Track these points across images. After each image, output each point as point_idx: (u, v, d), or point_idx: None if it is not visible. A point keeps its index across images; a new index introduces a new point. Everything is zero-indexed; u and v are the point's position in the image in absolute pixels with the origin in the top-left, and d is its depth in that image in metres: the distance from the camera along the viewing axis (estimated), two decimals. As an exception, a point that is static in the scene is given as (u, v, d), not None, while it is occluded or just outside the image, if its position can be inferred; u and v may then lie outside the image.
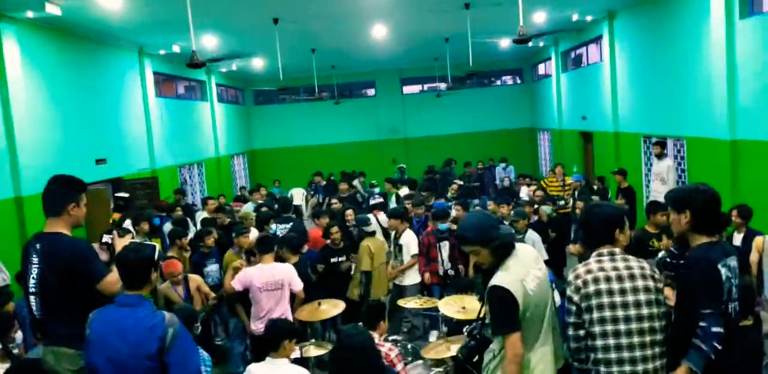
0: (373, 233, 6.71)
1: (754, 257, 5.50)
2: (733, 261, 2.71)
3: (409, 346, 5.17)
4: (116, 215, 3.27)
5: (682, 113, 8.96)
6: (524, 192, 10.47)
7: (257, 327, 5.14)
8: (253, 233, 6.66)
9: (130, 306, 2.66)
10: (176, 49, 11.42)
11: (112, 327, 2.62)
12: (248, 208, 8.45)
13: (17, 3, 7.16)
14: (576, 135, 14.55)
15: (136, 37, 10.55)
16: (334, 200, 8.09)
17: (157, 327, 2.58)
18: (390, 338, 5.30)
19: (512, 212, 6.76)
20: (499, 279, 2.75)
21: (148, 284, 2.75)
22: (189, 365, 2.64)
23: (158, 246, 2.87)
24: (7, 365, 3.51)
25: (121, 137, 10.61)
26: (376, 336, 4.08)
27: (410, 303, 5.65)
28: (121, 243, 3.19)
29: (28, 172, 7.56)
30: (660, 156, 8.80)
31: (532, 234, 6.49)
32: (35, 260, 2.98)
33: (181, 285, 5.38)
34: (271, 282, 5.23)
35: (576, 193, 9.62)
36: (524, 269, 2.79)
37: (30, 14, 7.52)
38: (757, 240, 5.54)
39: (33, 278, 2.98)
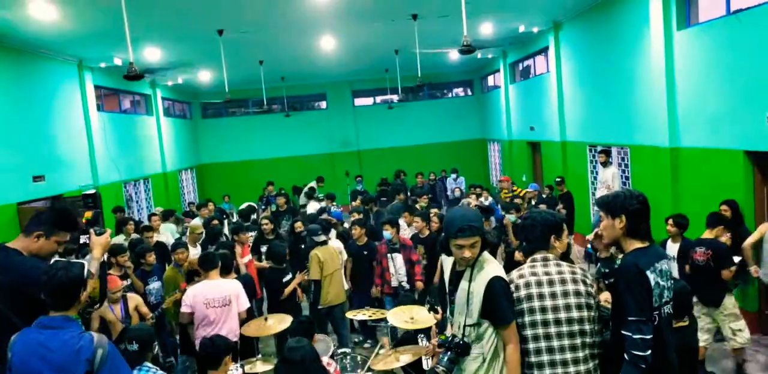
0: (324, 243, 6.75)
1: (751, 240, 5.66)
2: (664, 265, 2.74)
3: (358, 358, 5.08)
4: (88, 214, 3.09)
5: (625, 122, 9.23)
6: (474, 203, 10.54)
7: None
8: (193, 251, 6.56)
9: (54, 328, 2.50)
10: (118, 61, 11.07)
11: (34, 351, 2.46)
12: (196, 223, 8.20)
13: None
14: (525, 145, 14.83)
15: (75, 50, 10.18)
16: (298, 224, 8.04)
17: (85, 350, 2.44)
18: (339, 350, 5.20)
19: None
20: (495, 271, 2.81)
21: (77, 304, 2.59)
22: None
23: (86, 265, 2.70)
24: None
25: (61, 153, 10.16)
26: None
27: (359, 314, 5.55)
28: (99, 242, 3.01)
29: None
30: (605, 164, 9.04)
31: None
32: None
33: (119, 304, 5.13)
34: (218, 298, 5.09)
35: (533, 202, 9.80)
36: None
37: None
38: (764, 226, 5.73)
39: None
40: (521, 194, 10.28)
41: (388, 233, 6.82)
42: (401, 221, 8.09)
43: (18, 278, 2.79)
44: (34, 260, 2.95)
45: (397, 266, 6.79)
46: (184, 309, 5.06)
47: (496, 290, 2.75)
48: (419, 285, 6.74)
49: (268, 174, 17.09)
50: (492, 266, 2.83)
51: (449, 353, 2.85)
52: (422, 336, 4.94)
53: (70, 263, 2.65)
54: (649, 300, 2.61)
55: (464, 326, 2.84)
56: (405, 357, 4.37)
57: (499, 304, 2.75)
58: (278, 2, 8.30)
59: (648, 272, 2.62)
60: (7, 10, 7.04)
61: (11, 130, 8.74)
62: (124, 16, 6.31)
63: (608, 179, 8.91)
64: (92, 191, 3.42)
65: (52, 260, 3.01)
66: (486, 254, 2.90)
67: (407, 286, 6.76)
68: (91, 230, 3.05)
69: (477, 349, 2.81)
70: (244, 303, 5.23)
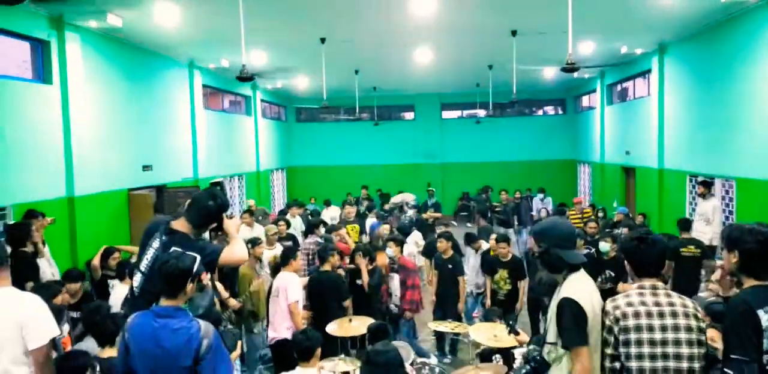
0: None
1: None
2: None
3: (436, 370, 5.09)
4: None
5: (732, 152, 8.73)
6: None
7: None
8: (269, 253, 7.11)
9: (167, 317, 2.71)
10: (225, 63, 11.75)
11: (150, 337, 2.68)
12: (270, 225, 8.46)
13: (83, 13, 7.51)
14: (618, 170, 14.30)
15: (189, 50, 10.90)
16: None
17: (194, 340, 2.66)
18: (419, 360, 5.23)
19: None
20: (570, 292, 2.75)
21: (183, 294, 2.77)
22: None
23: (198, 259, 2.85)
24: (54, 354, 3.60)
25: (168, 146, 10.90)
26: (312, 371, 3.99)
27: (441, 326, 5.57)
28: (233, 224, 3.34)
29: (81, 174, 7.86)
30: (704, 196, 8.58)
31: None
32: (155, 245, 3.12)
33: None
34: (274, 288, 5.46)
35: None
36: (590, 288, 2.81)
37: (93, 24, 7.88)
38: None
39: (146, 259, 3.11)
40: (587, 216, 9.99)
41: (390, 250, 6.73)
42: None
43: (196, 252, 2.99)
44: (209, 243, 3.26)
45: (392, 288, 6.67)
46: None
47: (562, 311, 2.72)
48: (407, 314, 6.56)
49: (352, 180, 17.48)
50: (570, 286, 2.77)
51: (527, 366, 2.85)
52: (498, 356, 4.90)
53: (184, 254, 2.82)
54: (757, 340, 2.45)
55: (544, 343, 2.82)
56: (485, 373, 4.34)
57: (562, 326, 2.70)
58: (382, 13, 8.53)
59: (761, 312, 2.48)
60: (137, 10, 7.67)
61: (129, 122, 9.48)
62: (240, 20, 6.73)
63: (707, 212, 8.44)
64: (220, 180, 3.69)
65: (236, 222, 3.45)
66: (578, 274, 2.83)
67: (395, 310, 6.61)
68: (224, 215, 3.30)
69: (556, 371, 2.76)
70: (292, 295, 5.38)
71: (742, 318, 2.48)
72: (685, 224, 7.49)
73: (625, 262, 2.85)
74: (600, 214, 10.32)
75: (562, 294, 2.77)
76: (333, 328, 5.30)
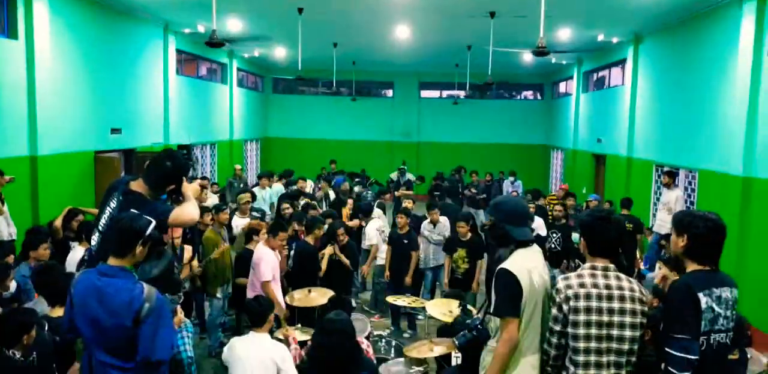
0: None
1: None
2: (727, 292, 2.68)
3: (393, 343, 5.19)
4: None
5: (697, 145, 8.93)
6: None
7: None
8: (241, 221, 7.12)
9: (111, 277, 2.71)
10: (201, 28, 11.49)
11: (93, 294, 2.69)
12: (244, 194, 8.39)
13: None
14: (589, 157, 14.52)
15: (163, 13, 10.62)
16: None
17: (135, 301, 2.65)
18: (375, 333, 5.33)
19: None
20: (508, 264, 2.83)
21: (132, 256, 2.76)
22: (157, 339, 2.68)
23: (152, 224, 2.82)
24: (-2, 310, 3.58)
25: (138, 110, 10.68)
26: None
27: (399, 300, 5.66)
28: (192, 187, 3.33)
29: (45, 133, 7.68)
30: (669, 186, 8.77)
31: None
32: (112, 205, 3.08)
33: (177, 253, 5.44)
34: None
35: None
36: (532, 263, 2.86)
37: (63, -22, 7.59)
38: None
39: (104, 219, 3.08)
40: (567, 204, 10.13)
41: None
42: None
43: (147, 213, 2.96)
44: (161, 203, 3.21)
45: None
46: None
47: (496, 280, 2.83)
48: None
49: (327, 154, 17.37)
50: (511, 259, 2.87)
51: (469, 333, 2.97)
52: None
53: (139, 215, 2.80)
54: (697, 321, 2.57)
55: (486, 312, 2.91)
56: (439, 348, 4.44)
57: (495, 295, 2.82)
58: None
59: (701, 295, 2.60)
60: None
61: (98, 83, 9.24)
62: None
63: (671, 202, 8.64)
64: (187, 144, 3.64)
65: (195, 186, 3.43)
66: (526, 249, 2.91)
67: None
68: (184, 179, 3.27)
69: (493, 342, 2.86)
70: (261, 272, 5.36)
71: (684, 299, 2.59)
72: (626, 203, 8.59)
73: (581, 239, 2.89)
74: (570, 202, 10.45)
75: (501, 264, 2.87)
76: (292, 299, 5.36)
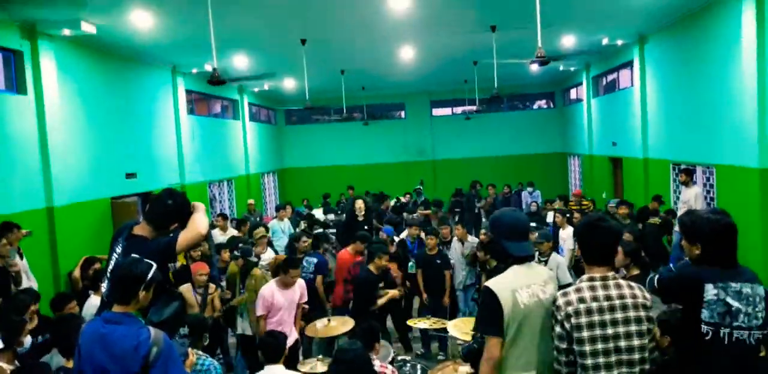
0: (256, 264, 6.62)
1: None
2: (747, 288, 2.61)
3: (418, 366, 5.10)
4: None
5: (711, 140, 8.74)
6: (551, 217, 10.32)
7: None
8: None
9: (116, 323, 2.70)
10: (209, 68, 11.72)
11: (98, 343, 2.67)
12: (259, 229, 8.47)
13: (54, 21, 7.52)
14: (606, 161, 14.32)
15: (169, 56, 10.91)
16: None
17: (142, 346, 2.62)
18: (399, 358, 5.24)
19: (537, 234, 6.60)
20: (492, 281, 2.77)
21: (135, 301, 2.75)
22: None
23: (154, 267, 2.81)
24: (12, 367, 3.60)
25: (152, 153, 10.91)
26: (375, 358, 4.05)
27: (420, 322, 5.58)
28: (200, 206, 3.30)
29: (59, 184, 7.84)
30: (686, 184, 8.58)
31: (556, 257, 6.38)
32: (118, 251, 3.10)
33: (201, 291, 5.47)
34: None
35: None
36: (523, 281, 2.75)
37: (66, 32, 7.85)
38: None
39: (111, 265, 3.09)
40: (587, 210, 10.02)
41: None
42: None
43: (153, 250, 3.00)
44: (164, 240, 3.17)
45: None
46: None
47: (480, 298, 2.84)
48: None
49: (345, 180, 17.49)
50: (500, 276, 2.80)
51: (473, 345, 2.92)
52: None
53: (139, 260, 2.80)
54: (695, 309, 2.61)
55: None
56: (464, 369, 4.35)
57: (478, 312, 2.81)
58: (360, 12, 8.54)
59: (708, 285, 2.59)
60: (110, 17, 7.69)
61: (109, 130, 9.48)
62: (210, 25, 6.73)
63: (690, 200, 8.44)
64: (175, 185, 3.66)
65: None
66: (521, 266, 2.81)
67: None
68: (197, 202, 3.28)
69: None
70: (257, 310, 5.38)
71: (682, 285, 2.71)
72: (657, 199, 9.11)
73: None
74: (586, 206, 10.35)
75: (486, 282, 2.81)
76: (312, 329, 5.32)
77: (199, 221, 3.14)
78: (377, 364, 3.92)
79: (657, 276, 2.91)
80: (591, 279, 2.68)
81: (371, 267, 5.94)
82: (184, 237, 3.07)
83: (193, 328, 3.93)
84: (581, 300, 2.63)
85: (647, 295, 2.68)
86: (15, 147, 7.28)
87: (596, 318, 2.59)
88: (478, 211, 13.32)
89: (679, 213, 8.77)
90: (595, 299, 2.61)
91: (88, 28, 7.63)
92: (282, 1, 7.67)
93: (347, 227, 8.73)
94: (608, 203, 10.38)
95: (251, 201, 12.75)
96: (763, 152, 7.22)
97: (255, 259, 6.57)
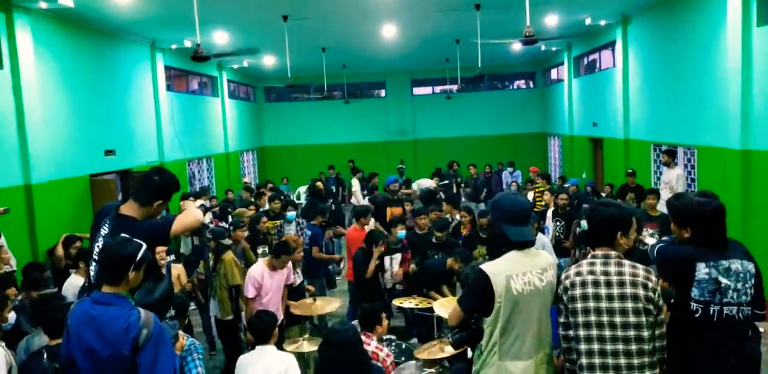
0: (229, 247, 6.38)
1: None
2: (736, 264, 2.68)
3: (403, 346, 5.15)
4: None
5: (693, 121, 8.85)
6: (531, 197, 10.42)
7: None
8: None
9: (105, 304, 2.64)
10: (188, 44, 11.47)
11: (88, 324, 2.62)
12: (242, 209, 8.35)
13: (30, -6, 7.24)
14: (586, 141, 14.44)
15: (148, 31, 10.61)
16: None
17: (132, 328, 2.58)
18: (385, 337, 5.28)
19: None
20: (487, 265, 2.78)
21: (126, 282, 2.69)
22: (157, 367, 2.61)
23: (143, 246, 2.75)
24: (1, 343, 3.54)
25: (131, 130, 10.68)
26: (374, 338, 4.06)
27: (406, 302, 5.61)
28: (192, 205, 3.33)
29: (37, 161, 7.67)
30: (669, 165, 8.70)
31: (542, 237, 6.43)
32: (104, 232, 3.02)
33: (162, 271, 5.40)
34: None
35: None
36: (519, 268, 2.74)
37: (43, 5, 7.58)
38: None
39: (98, 247, 3.01)
40: (540, 190, 10.30)
41: (402, 232, 6.51)
42: None
43: (143, 231, 2.94)
44: (154, 222, 3.15)
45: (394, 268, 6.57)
46: None
47: (471, 278, 2.89)
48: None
49: (325, 159, 17.37)
50: (493, 262, 2.83)
51: (462, 333, 2.91)
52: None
53: (129, 240, 2.74)
54: (686, 288, 2.70)
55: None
56: (450, 348, 4.38)
57: (465, 288, 2.91)
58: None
59: (701, 264, 2.66)
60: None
61: (87, 106, 9.24)
62: (193, 1, 6.54)
63: (672, 181, 8.57)
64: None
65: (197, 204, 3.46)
66: (518, 252, 2.80)
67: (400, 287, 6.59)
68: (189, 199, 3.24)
69: (483, 340, 2.79)
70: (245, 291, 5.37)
71: (672, 262, 2.83)
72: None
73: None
74: (607, 189, 10.37)
75: (481, 264, 2.83)
76: (297, 308, 5.32)
77: (194, 211, 3.15)
78: (373, 345, 3.93)
79: (659, 246, 2.95)
80: (593, 257, 2.72)
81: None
82: (180, 222, 3.04)
83: (177, 309, 3.89)
84: (578, 274, 2.69)
85: (652, 277, 2.66)
86: (-9, 123, 7.07)
87: (590, 290, 2.63)
88: (458, 191, 13.35)
89: (661, 194, 8.93)
90: (591, 273, 2.66)
91: (65, 0, 7.34)
92: (266, -26, 7.49)
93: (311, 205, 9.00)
94: (569, 184, 10.59)
95: (247, 179, 12.57)
96: (745, 134, 7.33)
97: (229, 241, 6.42)
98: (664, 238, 3.59)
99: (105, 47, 9.95)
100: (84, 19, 8.95)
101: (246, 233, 6.63)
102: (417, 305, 5.54)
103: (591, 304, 2.62)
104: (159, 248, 5.57)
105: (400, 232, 6.44)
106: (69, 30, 8.81)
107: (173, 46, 11.84)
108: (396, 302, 5.74)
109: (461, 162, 14.59)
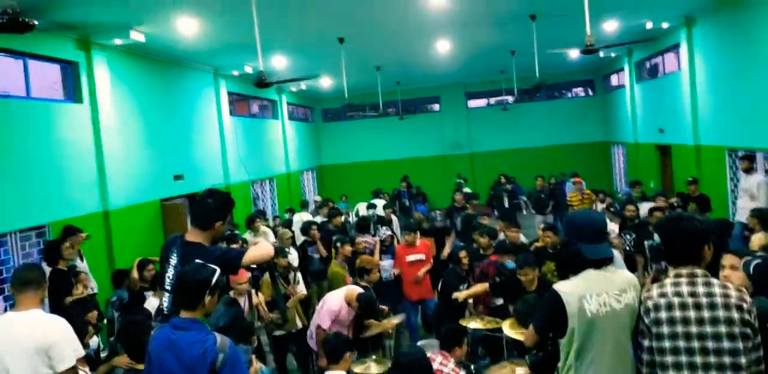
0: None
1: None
2: None
3: (471, 367, 5.04)
4: None
5: (770, 124, 8.36)
6: (599, 209, 10.10)
7: None
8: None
9: (184, 330, 2.72)
10: (248, 69, 11.87)
11: (168, 349, 2.71)
12: (285, 230, 8.36)
13: (106, 31, 7.76)
14: (652, 149, 13.89)
15: (212, 60, 11.06)
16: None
17: (209, 352, 2.65)
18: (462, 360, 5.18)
19: None
20: (560, 285, 2.70)
21: (202, 306, 2.77)
22: None
23: (218, 271, 2.83)
24: (86, 368, 3.69)
25: (197, 155, 11.10)
26: (451, 360, 4.00)
27: (473, 322, 5.50)
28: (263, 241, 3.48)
29: (114, 188, 8.09)
30: (748, 171, 8.21)
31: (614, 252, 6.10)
32: (173, 262, 3.13)
33: (243, 298, 5.50)
34: None
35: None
36: (595, 288, 2.63)
37: (118, 41, 8.10)
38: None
39: (168, 277, 3.12)
40: (589, 200, 9.93)
41: (510, 262, 6.24)
42: None
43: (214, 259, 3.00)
44: (221, 249, 3.31)
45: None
46: None
47: (544, 297, 2.79)
48: None
49: (383, 175, 17.49)
50: (567, 281, 2.74)
51: (539, 354, 2.85)
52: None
53: (204, 265, 2.82)
54: None
55: (554, 333, 2.77)
56: (521, 370, 4.26)
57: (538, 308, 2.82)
58: (396, 9, 8.47)
59: None
60: (158, 25, 7.89)
61: (158, 134, 9.70)
62: (255, 29, 6.78)
63: (752, 188, 8.08)
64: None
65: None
66: (594, 271, 2.70)
67: None
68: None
69: (560, 362, 2.68)
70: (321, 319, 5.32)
71: None
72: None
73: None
74: (674, 199, 9.83)
75: (555, 284, 2.74)
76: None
77: (266, 244, 3.25)
78: (449, 368, 3.87)
79: (755, 263, 2.77)
80: (677, 275, 2.54)
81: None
82: (252, 254, 3.12)
83: (244, 333, 3.96)
84: (662, 295, 2.50)
85: (746, 297, 2.48)
86: (73, 154, 7.54)
87: (678, 313, 2.45)
88: (510, 205, 13.00)
89: (739, 202, 8.44)
90: (677, 294, 2.48)
91: (137, 36, 7.84)
92: (321, 1, 7.67)
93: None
94: (622, 193, 10.16)
95: (318, 198, 12.69)
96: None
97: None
98: (759, 253, 3.33)
99: (172, 77, 10.44)
100: (153, 52, 9.44)
101: (287, 261, 6.51)
102: (485, 325, 5.41)
103: (679, 329, 2.43)
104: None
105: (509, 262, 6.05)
106: (140, 62, 9.32)
107: (235, 73, 12.29)
108: (463, 322, 5.63)
109: (519, 174, 14.29)
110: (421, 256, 7.26)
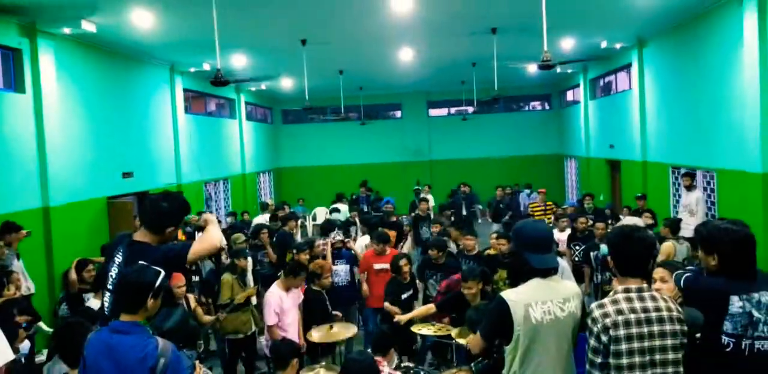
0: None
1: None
2: (766, 296, 2.60)
3: (421, 373, 5.04)
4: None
5: (712, 144, 8.75)
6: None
7: None
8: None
9: (123, 333, 2.62)
10: (206, 67, 11.67)
11: (105, 353, 2.60)
12: (238, 234, 8.23)
13: (55, 19, 7.44)
14: (603, 163, 14.33)
15: (168, 55, 10.81)
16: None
17: (149, 357, 2.55)
18: (402, 364, 5.18)
19: None
20: (507, 292, 2.75)
21: (144, 310, 2.67)
22: None
23: (162, 274, 2.73)
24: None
25: (149, 152, 10.81)
26: (385, 363, 4.00)
27: (424, 329, 5.51)
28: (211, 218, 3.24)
29: (56, 183, 7.75)
30: (689, 188, 8.59)
31: (561, 262, 6.25)
32: (118, 261, 3.00)
33: (181, 301, 5.37)
34: None
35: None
36: (540, 296, 2.69)
37: (66, 30, 7.79)
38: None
39: (111, 276, 2.99)
40: (551, 211, 10.20)
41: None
42: None
43: (159, 257, 2.91)
44: (168, 247, 3.10)
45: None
46: None
47: (491, 304, 2.86)
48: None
49: (341, 180, 17.43)
50: (513, 289, 2.80)
51: (485, 361, 2.87)
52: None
53: (147, 267, 2.72)
54: (718, 321, 2.59)
55: (500, 340, 2.80)
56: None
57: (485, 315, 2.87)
58: (361, 15, 8.49)
59: (734, 297, 2.59)
60: (111, 16, 7.64)
61: (106, 129, 9.38)
62: (214, 25, 6.66)
63: (692, 204, 8.45)
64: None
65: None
66: (541, 280, 2.75)
67: None
68: (206, 213, 3.23)
69: (505, 369, 2.73)
70: (266, 318, 5.34)
71: (708, 297, 2.71)
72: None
73: (608, 259, 2.75)
74: (625, 211, 10.13)
75: (503, 291, 2.78)
76: (316, 335, 5.25)
77: (214, 234, 3.07)
78: (386, 371, 3.87)
79: (685, 276, 2.86)
80: (626, 290, 2.60)
81: None
82: (196, 249, 2.98)
83: (190, 337, 3.86)
84: (619, 312, 2.55)
85: (679, 308, 2.62)
86: (12, 146, 7.20)
87: (634, 330, 2.52)
88: (468, 214, 13.15)
89: (680, 216, 8.78)
90: (633, 311, 2.54)
91: (88, 26, 7.55)
92: (284, 1, 7.61)
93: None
94: (566, 205, 10.53)
95: (269, 201, 12.47)
96: (766, 157, 7.21)
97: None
98: (689, 267, 3.47)
99: (125, 70, 10.14)
100: (105, 44, 9.15)
101: (246, 262, 6.44)
102: (435, 332, 5.43)
103: (635, 345, 2.51)
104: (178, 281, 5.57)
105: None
106: (90, 54, 9.01)
107: (192, 69, 12.04)
108: (414, 328, 5.63)
109: (476, 183, 14.49)
110: (387, 265, 7.22)
